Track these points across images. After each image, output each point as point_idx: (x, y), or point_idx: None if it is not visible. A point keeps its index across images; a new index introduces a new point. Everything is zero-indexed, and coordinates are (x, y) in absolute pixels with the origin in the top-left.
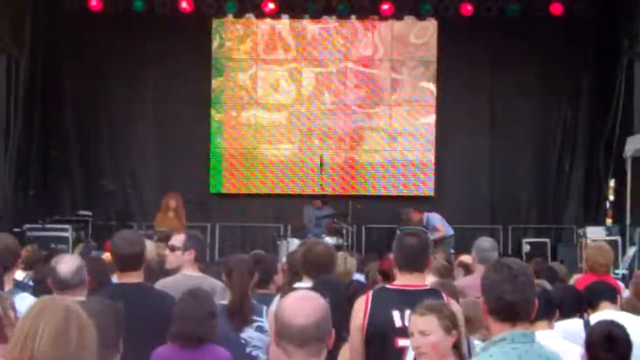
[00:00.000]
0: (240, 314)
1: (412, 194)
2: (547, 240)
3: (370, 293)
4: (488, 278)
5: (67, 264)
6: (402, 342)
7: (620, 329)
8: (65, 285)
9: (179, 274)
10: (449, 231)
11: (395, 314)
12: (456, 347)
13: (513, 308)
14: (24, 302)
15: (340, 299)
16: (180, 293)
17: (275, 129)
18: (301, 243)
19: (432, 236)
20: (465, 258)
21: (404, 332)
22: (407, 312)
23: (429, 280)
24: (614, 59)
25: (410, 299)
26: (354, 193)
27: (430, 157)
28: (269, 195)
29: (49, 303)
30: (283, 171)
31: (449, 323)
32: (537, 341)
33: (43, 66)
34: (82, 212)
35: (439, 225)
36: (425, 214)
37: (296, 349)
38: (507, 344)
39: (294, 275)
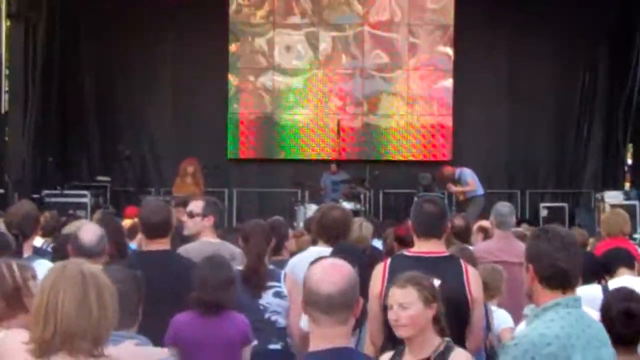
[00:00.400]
0: (256, 279)
1: (430, 159)
2: (564, 205)
3: (388, 261)
4: (539, 246)
5: (90, 232)
6: None
7: (638, 301)
8: (87, 253)
9: (197, 241)
10: (480, 190)
11: None
12: (436, 320)
13: (566, 276)
14: (42, 268)
15: (357, 265)
16: (200, 260)
17: (293, 93)
18: (318, 208)
19: (464, 189)
20: (484, 223)
21: None
22: None
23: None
24: (632, 26)
25: (428, 266)
26: (371, 158)
27: (448, 121)
28: (286, 161)
29: (64, 272)
30: (300, 136)
31: (429, 295)
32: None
33: (61, 34)
34: (100, 178)
35: (470, 179)
36: (458, 169)
37: (323, 315)
38: (562, 308)
39: (313, 240)
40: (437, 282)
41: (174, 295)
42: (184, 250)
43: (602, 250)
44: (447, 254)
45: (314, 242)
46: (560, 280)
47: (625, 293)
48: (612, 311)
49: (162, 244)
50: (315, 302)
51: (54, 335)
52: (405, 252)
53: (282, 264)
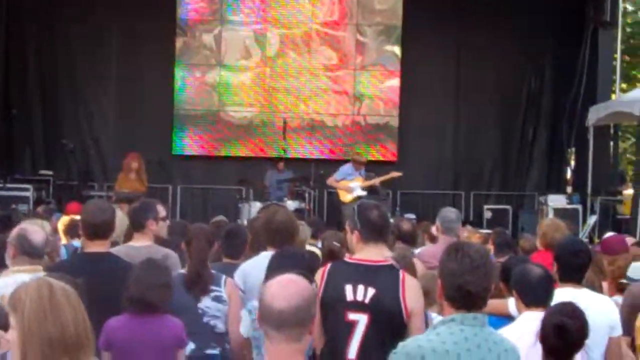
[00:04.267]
0: (199, 283)
1: (376, 159)
2: (508, 207)
3: (328, 266)
4: (448, 267)
5: (37, 233)
6: (352, 315)
7: (573, 318)
8: (36, 254)
9: (124, 245)
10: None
11: (348, 288)
12: None
13: (472, 298)
14: None
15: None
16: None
17: (240, 90)
18: (262, 207)
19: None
20: (433, 229)
21: (354, 305)
22: (360, 286)
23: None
24: (578, 27)
25: (365, 274)
26: (317, 157)
27: (394, 121)
28: (231, 158)
29: (28, 290)
30: (246, 133)
31: None
32: (488, 326)
33: (5, 25)
34: (43, 172)
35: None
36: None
37: (275, 332)
38: (456, 325)
39: (257, 243)
40: (371, 292)
41: (113, 299)
42: (115, 251)
43: (539, 260)
44: (387, 262)
45: (263, 247)
46: (464, 301)
47: (565, 309)
48: (548, 324)
49: (102, 246)
50: (268, 318)
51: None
52: (347, 259)
53: (233, 268)
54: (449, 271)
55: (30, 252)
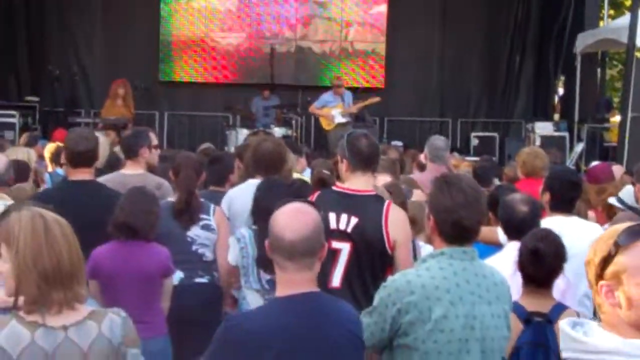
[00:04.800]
0: (187, 212)
1: (363, 85)
2: (495, 134)
3: (316, 195)
4: (442, 203)
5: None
6: (335, 244)
7: (547, 242)
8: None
9: (117, 172)
10: None
11: (332, 216)
12: None
13: (466, 231)
14: None
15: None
16: (123, 189)
17: (226, 16)
18: (249, 133)
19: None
20: (421, 157)
21: (337, 234)
22: (343, 215)
23: (381, 179)
24: None
25: (349, 203)
26: (304, 84)
27: (381, 48)
28: (218, 84)
29: (21, 220)
30: (233, 60)
31: None
32: (477, 259)
33: None
34: (29, 99)
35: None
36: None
37: (287, 262)
38: (445, 259)
39: (246, 170)
40: (354, 221)
41: (99, 226)
42: (103, 181)
43: (521, 189)
44: (373, 192)
45: (250, 175)
46: (458, 236)
47: (539, 234)
48: (524, 250)
49: (86, 174)
50: (279, 249)
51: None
52: (334, 187)
53: (220, 196)
54: (444, 208)
55: None
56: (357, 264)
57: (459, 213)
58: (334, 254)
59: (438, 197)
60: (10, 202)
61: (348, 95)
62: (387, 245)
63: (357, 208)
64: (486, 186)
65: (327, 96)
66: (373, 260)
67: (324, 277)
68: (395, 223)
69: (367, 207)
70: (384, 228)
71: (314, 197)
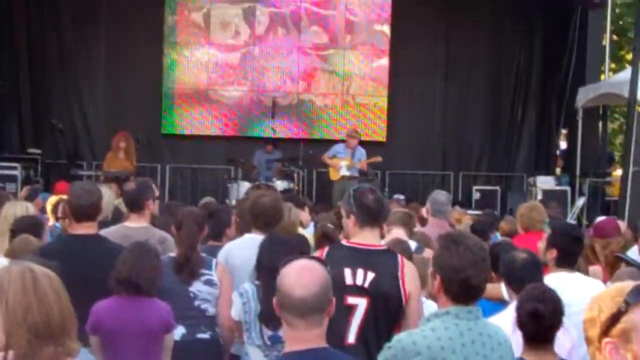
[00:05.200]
0: (188, 267)
1: (365, 139)
2: (497, 188)
3: (326, 249)
4: (449, 263)
5: None
6: (351, 299)
7: (546, 302)
8: None
9: (120, 225)
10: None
11: (347, 272)
12: None
13: (475, 291)
14: None
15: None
16: (126, 243)
17: (229, 69)
18: (251, 187)
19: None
20: (423, 211)
21: (354, 289)
22: (360, 270)
23: (396, 232)
24: (567, 7)
25: (364, 258)
26: (305, 137)
27: (383, 101)
28: (220, 137)
29: (10, 274)
30: (235, 112)
31: None
32: (482, 318)
33: None
34: (31, 151)
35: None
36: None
37: (297, 319)
38: (451, 319)
39: (245, 225)
40: (371, 276)
41: (102, 281)
42: (106, 233)
43: (520, 243)
44: (383, 247)
45: (247, 229)
46: (466, 295)
47: (535, 293)
48: (522, 311)
49: (89, 228)
50: (289, 306)
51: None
52: (345, 242)
53: (218, 250)
54: (451, 267)
55: None
56: (373, 319)
57: (467, 272)
58: (349, 309)
59: (445, 255)
60: None
61: (360, 151)
62: (403, 298)
63: (372, 263)
64: (484, 241)
65: (338, 147)
66: (389, 315)
67: (338, 334)
68: (410, 276)
69: (382, 261)
70: (400, 282)
71: (323, 253)
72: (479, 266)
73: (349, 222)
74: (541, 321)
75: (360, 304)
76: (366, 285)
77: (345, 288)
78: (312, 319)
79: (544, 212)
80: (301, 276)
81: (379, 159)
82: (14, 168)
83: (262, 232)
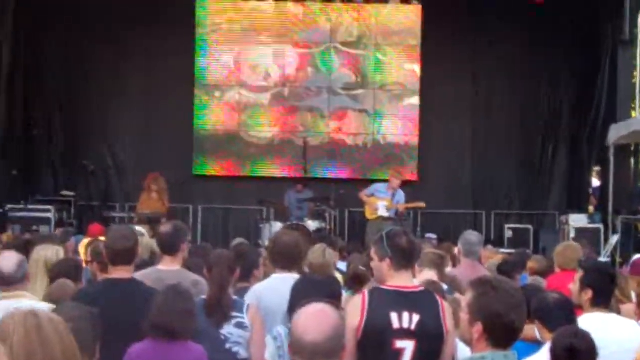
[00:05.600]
0: (219, 310)
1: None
2: (529, 226)
3: (366, 294)
4: (492, 307)
5: (8, 260)
6: (399, 343)
7: (581, 339)
8: (10, 281)
9: (153, 268)
10: None
11: (394, 316)
12: None
13: (517, 334)
14: None
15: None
16: (159, 286)
17: (259, 110)
18: (283, 227)
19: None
20: (455, 251)
21: (401, 333)
22: (405, 313)
23: (427, 273)
24: (597, 45)
25: (407, 301)
26: (337, 177)
27: (414, 140)
28: (252, 178)
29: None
30: (267, 153)
31: None
32: None
33: (26, 47)
34: (64, 193)
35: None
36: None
37: None
38: None
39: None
40: (416, 318)
41: (136, 325)
42: (139, 276)
43: (555, 282)
44: (422, 288)
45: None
46: (509, 339)
47: (570, 331)
48: (557, 349)
49: (124, 272)
50: (301, 351)
51: None
52: (382, 286)
53: (246, 292)
54: (495, 313)
55: (3, 281)
56: None
57: (511, 317)
58: (397, 354)
59: (486, 301)
60: (27, 301)
61: (400, 194)
62: (445, 338)
63: (415, 305)
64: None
65: (379, 186)
66: (434, 355)
67: None
68: (449, 314)
69: (425, 303)
70: (443, 321)
71: (364, 298)
72: (520, 309)
73: (383, 265)
74: (577, 357)
75: (408, 347)
76: (412, 327)
77: (393, 332)
78: None
79: (579, 250)
80: (314, 321)
81: (422, 204)
82: (48, 211)
83: (286, 271)
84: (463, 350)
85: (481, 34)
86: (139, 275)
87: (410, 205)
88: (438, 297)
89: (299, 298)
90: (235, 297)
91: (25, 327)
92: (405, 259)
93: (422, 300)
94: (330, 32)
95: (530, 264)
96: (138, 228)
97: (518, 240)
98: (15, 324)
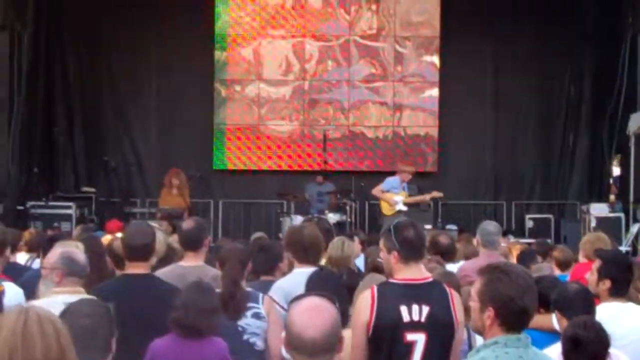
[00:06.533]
0: (232, 303)
1: (416, 170)
2: (550, 216)
3: (375, 289)
4: (504, 292)
5: (79, 254)
6: (410, 336)
7: (587, 330)
8: (83, 274)
9: (174, 265)
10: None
11: (403, 309)
12: None
13: (530, 318)
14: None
15: (337, 292)
16: (181, 282)
17: (279, 103)
18: (304, 220)
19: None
20: (474, 242)
21: (412, 326)
22: (415, 306)
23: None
24: (617, 33)
25: (416, 293)
26: (357, 169)
27: (434, 132)
28: (272, 171)
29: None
30: (286, 146)
31: None
32: (531, 346)
33: (46, 43)
34: (85, 189)
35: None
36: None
37: (308, 359)
38: (500, 348)
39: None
40: (426, 310)
41: (154, 320)
42: (162, 274)
43: (581, 271)
44: (431, 279)
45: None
46: (522, 323)
47: (579, 321)
48: (564, 340)
49: (142, 268)
50: (299, 347)
51: None
52: (391, 280)
53: (270, 285)
54: (508, 297)
55: (79, 273)
56: (432, 352)
57: (524, 300)
58: (409, 346)
59: (498, 286)
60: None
61: (406, 187)
62: (456, 327)
63: (424, 297)
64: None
65: (393, 181)
66: (445, 347)
67: None
68: (459, 305)
69: (434, 294)
70: (452, 311)
71: (373, 293)
72: (532, 292)
73: (391, 258)
74: (583, 349)
75: (419, 339)
76: (423, 319)
77: (404, 326)
78: (323, 358)
79: (608, 242)
80: (311, 317)
81: (440, 194)
82: (69, 207)
83: (306, 264)
84: (479, 340)
85: (501, 24)
86: (160, 272)
87: (430, 196)
88: (447, 288)
89: (314, 290)
90: (249, 289)
91: (13, 325)
92: (413, 251)
93: (431, 292)
94: (349, 24)
95: (555, 254)
96: (154, 224)
97: (539, 230)
98: (4, 321)
